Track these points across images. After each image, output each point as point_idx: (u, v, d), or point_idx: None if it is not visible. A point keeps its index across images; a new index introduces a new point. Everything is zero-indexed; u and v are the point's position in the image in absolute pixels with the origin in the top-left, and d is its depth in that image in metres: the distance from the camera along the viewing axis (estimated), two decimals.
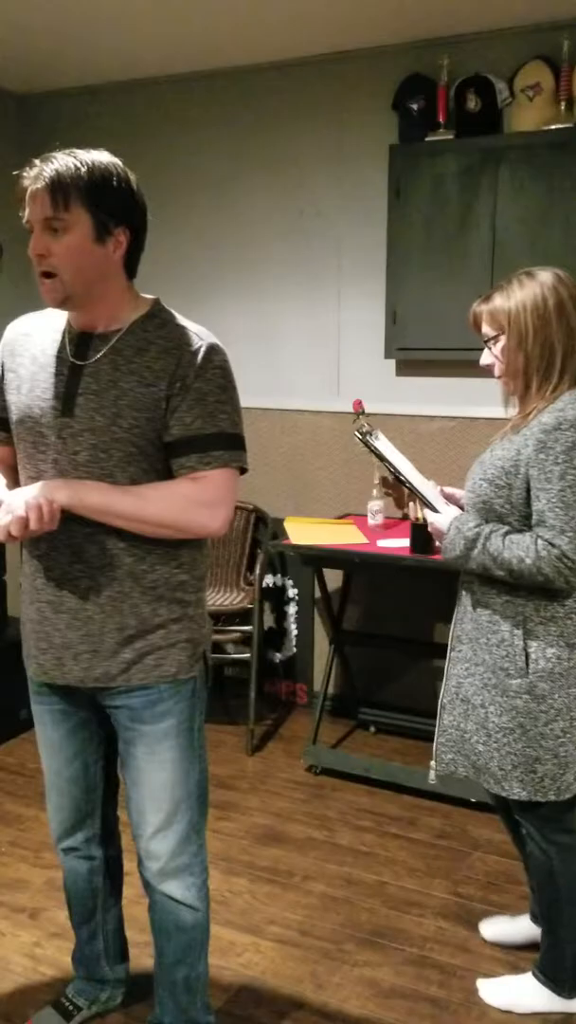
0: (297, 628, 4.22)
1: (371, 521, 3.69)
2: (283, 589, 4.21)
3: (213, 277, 4.18)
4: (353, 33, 3.55)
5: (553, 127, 3.35)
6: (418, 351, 3.70)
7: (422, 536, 3.25)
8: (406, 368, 3.85)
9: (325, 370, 4.04)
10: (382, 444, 2.24)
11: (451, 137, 3.50)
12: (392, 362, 3.86)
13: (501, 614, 2.07)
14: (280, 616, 4.25)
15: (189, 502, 1.79)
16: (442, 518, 2.14)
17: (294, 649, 4.24)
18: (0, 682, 3.72)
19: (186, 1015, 2.07)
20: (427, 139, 3.54)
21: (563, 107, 3.34)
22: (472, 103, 3.46)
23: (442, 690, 2.23)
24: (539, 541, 1.94)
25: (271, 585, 4.21)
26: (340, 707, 4.06)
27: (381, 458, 2.23)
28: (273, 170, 4.00)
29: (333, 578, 3.88)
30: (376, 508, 3.69)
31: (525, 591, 2.03)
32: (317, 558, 3.53)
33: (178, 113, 4.14)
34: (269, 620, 4.27)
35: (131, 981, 2.34)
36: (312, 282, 4.01)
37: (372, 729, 3.96)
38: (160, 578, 1.86)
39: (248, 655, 3.86)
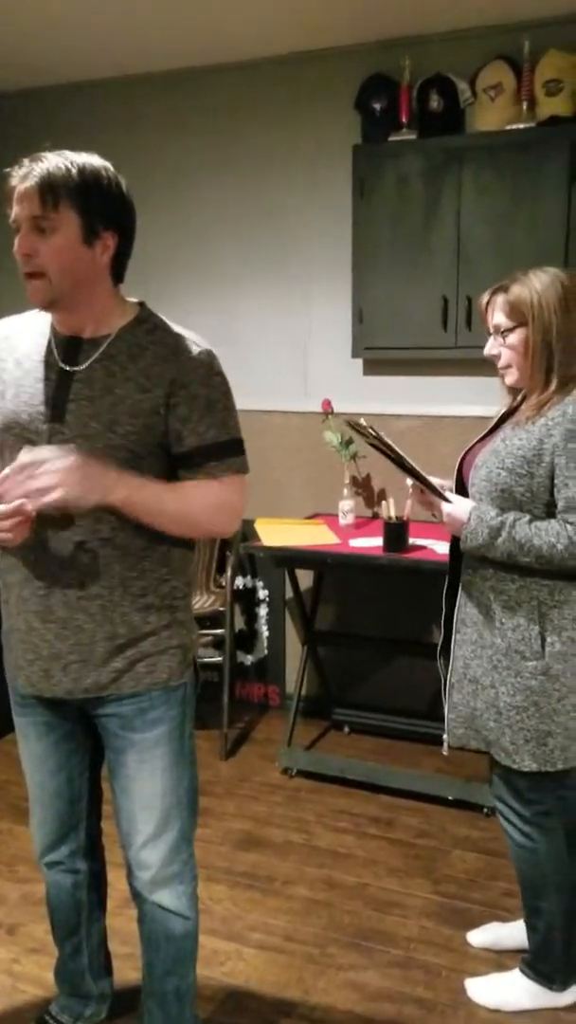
0: (268, 630, 4.20)
1: (342, 521, 3.69)
2: (254, 591, 4.19)
3: (179, 278, 4.15)
4: (316, 33, 3.54)
5: (515, 127, 3.36)
6: (385, 350, 3.70)
7: (394, 534, 3.26)
8: (373, 367, 3.86)
9: (293, 370, 4.02)
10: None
11: (414, 137, 3.51)
12: (359, 361, 3.85)
13: (516, 599, 2.10)
14: (251, 618, 4.23)
15: (220, 504, 1.83)
16: (459, 507, 2.14)
17: (265, 651, 4.22)
18: None
19: None
20: (390, 139, 3.54)
21: (524, 107, 3.36)
22: (435, 103, 3.47)
23: (449, 670, 2.27)
24: (568, 527, 1.99)
25: (242, 587, 4.18)
26: (314, 708, 4.05)
27: (390, 453, 2.20)
28: (239, 170, 3.98)
29: (304, 579, 3.87)
30: (347, 508, 3.69)
31: (540, 575, 2.07)
32: (289, 559, 3.51)
33: (143, 114, 4.11)
34: (240, 622, 4.24)
35: (115, 995, 2.30)
36: (279, 283, 4.00)
37: (346, 729, 3.96)
38: (150, 585, 1.84)
39: (220, 658, 3.83)
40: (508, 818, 2.26)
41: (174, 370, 1.76)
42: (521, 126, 3.36)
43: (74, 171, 1.69)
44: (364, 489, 3.72)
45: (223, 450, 1.81)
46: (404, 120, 3.52)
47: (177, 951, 2.01)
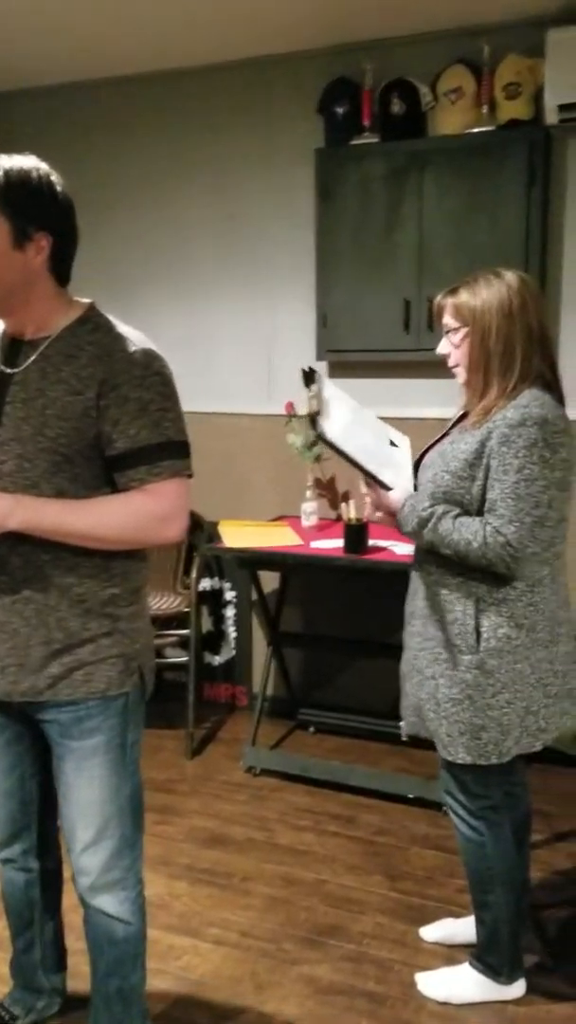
0: (236, 631, 4.22)
1: (305, 522, 3.71)
2: (220, 592, 4.21)
3: (143, 281, 4.17)
4: (278, 37, 3.57)
5: (475, 130, 3.41)
6: (348, 353, 3.73)
7: (355, 536, 3.28)
8: (338, 370, 3.88)
9: (257, 373, 4.05)
10: (333, 427, 2.22)
11: (376, 140, 3.54)
12: (324, 364, 3.88)
13: (455, 594, 2.14)
14: (218, 619, 4.25)
15: (145, 516, 1.77)
16: (396, 494, 2.19)
17: (233, 652, 4.24)
18: None
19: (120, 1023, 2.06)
20: (352, 142, 3.57)
21: (484, 111, 3.40)
22: (396, 107, 3.51)
23: (402, 660, 2.31)
24: (487, 527, 2.03)
25: (208, 588, 4.20)
26: (279, 708, 4.07)
27: (329, 444, 2.22)
28: (203, 174, 4.01)
29: (271, 580, 3.89)
30: (310, 510, 3.71)
31: (479, 573, 2.10)
32: (252, 560, 3.54)
33: (105, 117, 4.13)
34: (207, 623, 4.26)
35: (68, 990, 2.32)
36: (244, 286, 4.02)
37: (311, 729, 3.98)
38: (89, 591, 1.82)
39: (186, 659, 3.85)
40: (456, 811, 2.30)
41: (105, 371, 1.73)
42: (481, 129, 3.40)
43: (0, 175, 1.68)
44: (328, 491, 3.75)
45: (156, 453, 1.75)
46: (366, 124, 3.55)
47: (119, 954, 2.01)
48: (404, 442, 2.43)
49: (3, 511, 1.71)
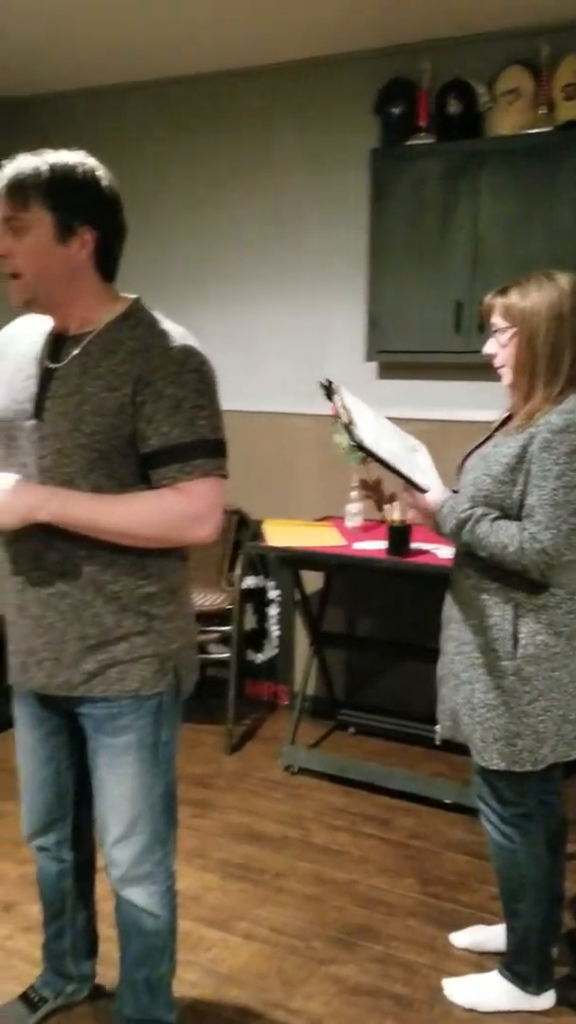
0: (279, 629, 4.24)
1: (349, 523, 3.71)
2: (264, 590, 4.23)
3: (194, 281, 4.21)
4: (335, 38, 3.58)
5: (532, 131, 3.37)
6: (399, 354, 3.72)
7: (398, 538, 3.27)
8: (387, 371, 3.88)
9: (306, 373, 4.05)
10: (366, 433, 2.22)
11: (432, 141, 3.53)
12: (374, 365, 3.88)
13: (493, 599, 2.13)
14: (262, 617, 4.27)
15: (176, 515, 1.76)
16: (434, 496, 2.18)
17: (276, 650, 4.26)
18: None
19: (146, 1012, 2.08)
20: (408, 143, 3.56)
21: (542, 111, 3.37)
22: (453, 107, 3.49)
23: (439, 664, 2.30)
24: (525, 532, 2.02)
25: (253, 586, 4.22)
26: (320, 708, 4.07)
27: (368, 452, 2.22)
28: (256, 175, 4.03)
29: (315, 580, 3.90)
30: (355, 510, 3.71)
31: (518, 578, 2.09)
32: (294, 560, 3.55)
33: (159, 119, 4.18)
34: (251, 621, 4.28)
35: (99, 976, 2.35)
36: (294, 286, 4.04)
37: (351, 730, 3.98)
38: (124, 589, 1.81)
39: (228, 655, 3.87)
40: (488, 818, 2.28)
41: (141, 367, 1.72)
42: (539, 130, 3.37)
43: (44, 169, 1.69)
44: (373, 492, 3.74)
45: (188, 451, 1.74)
46: (422, 124, 3.54)
47: (147, 945, 2.03)
48: (421, 448, 2.41)
49: (35, 502, 1.73)
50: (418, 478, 2.21)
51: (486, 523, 2.07)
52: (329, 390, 2.21)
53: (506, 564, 2.05)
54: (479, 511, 2.09)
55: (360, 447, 2.17)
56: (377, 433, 2.25)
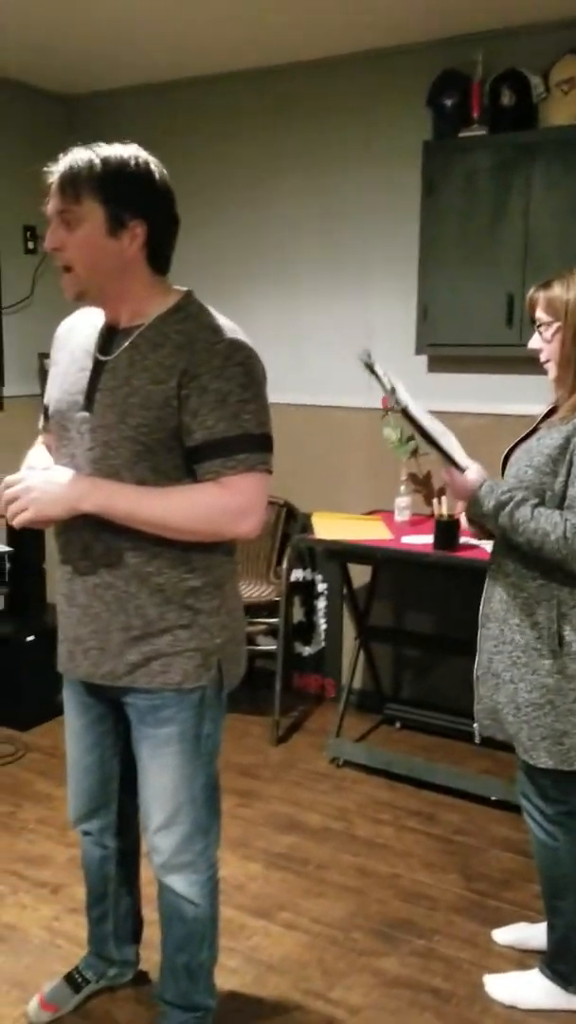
0: (326, 622, 4.25)
1: (398, 517, 3.70)
2: (312, 583, 4.24)
3: (245, 275, 4.22)
4: (387, 31, 3.56)
5: None
6: (449, 347, 3.70)
7: (446, 532, 3.26)
8: (437, 364, 3.86)
9: (356, 366, 4.00)
10: (412, 405, 2.20)
11: (485, 133, 3.49)
12: (423, 358, 3.86)
13: (535, 597, 2.11)
14: (310, 610, 4.28)
15: (218, 510, 1.76)
16: (473, 475, 2.16)
17: (323, 643, 4.27)
18: (38, 666, 3.81)
19: (186, 997, 2.10)
20: (460, 135, 3.53)
21: None
22: (506, 98, 3.45)
23: (476, 663, 2.29)
24: (568, 523, 1.99)
25: (301, 579, 4.24)
26: (367, 702, 4.07)
27: (407, 415, 2.21)
28: (307, 168, 4.03)
29: (362, 574, 3.90)
30: (403, 504, 3.70)
31: (562, 575, 2.07)
32: (341, 552, 3.55)
33: (210, 113, 4.20)
34: (299, 614, 4.30)
35: (144, 959, 2.38)
36: (344, 279, 4.03)
37: (397, 725, 3.97)
38: (167, 582, 1.82)
39: (275, 647, 3.89)
40: (532, 815, 2.27)
41: (187, 360, 1.72)
42: None
43: (96, 162, 1.70)
44: (422, 486, 3.73)
45: (232, 446, 1.73)
46: (475, 116, 3.51)
47: (187, 932, 2.05)
48: (450, 434, 2.37)
49: (78, 493, 1.76)
50: (457, 456, 2.20)
51: (527, 508, 2.04)
52: (370, 366, 2.21)
53: (544, 553, 2.02)
54: (520, 495, 2.07)
55: (405, 412, 2.16)
56: (416, 407, 2.24)
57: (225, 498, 1.75)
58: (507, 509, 2.06)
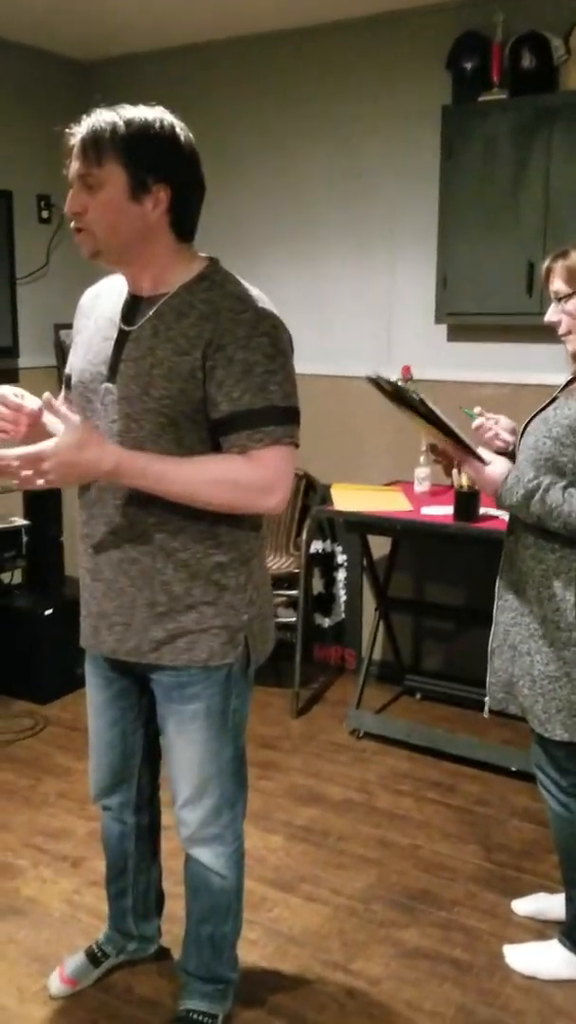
0: (346, 594, 4.24)
1: (417, 488, 3.68)
2: (332, 555, 4.23)
3: (265, 242, 4.18)
4: None
5: None
6: (469, 316, 3.66)
7: (466, 503, 3.23)
8: (457, 333, 3.82)
9: (376, 335, 4.01)
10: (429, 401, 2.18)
11: (505, 96, 3.43)
12: (443, 327, 3.82)
13: (554, 569, 2.09)
14: (329, 582, 4.28)
15: (243, 483, 1.72)
16: (496, 468, 2.13)
17: (343, 615, 4.27)
18: (58, 639, 3.85)
19: (209, 969, 2.12)
20: (480, 99, 3.47)
21: None
22: (527, 61, 3.38)
23: (491, 636, 2.28)
24: None
25: (321, 551, 4.23)
26: (387, 674, 4.08)
27: (420, 411, 2.18)
28: (327, 133, 3.97)
29: (382, 545, 3.89)
30: (423, 475, 3.68)
31: None
32: (361, 524, 3.54)
33: (231, 78, 4.14)
34: (318, 586, 4.30)
35: (165, 933, 2.40)
36: (364, 246, 3.99)
37: (418, 696, 3.98)
38: (193, 557, 1.80)
39: (295, 619, 3.89)
40: (546, 787, 2.27)
41: (212, 331, 1.68)
42: None
43: (120, 124, 1.65)
44: (443, 457, 3.70)
45: (259, 418, 1.69)
46: (495, 79, 3.44)
47: (214, 902, 2.06)
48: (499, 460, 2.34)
49: (93, 461, 1.69)
50: (480, 451, 2.18)
51: (557, 492, 2.02)
52: (377, 384, 2.17)
53: None
54: (546, 480, 2.04)
55: (423, 403, 2.13)
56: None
57: (251, 471, 1.72)
58: (537, 496, 2.03)
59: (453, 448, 2.18)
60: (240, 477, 1.73)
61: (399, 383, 2.15)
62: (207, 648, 1.85)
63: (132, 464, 1.72)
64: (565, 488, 2.02)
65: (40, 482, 1.72)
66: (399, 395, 2.14)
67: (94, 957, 2.34)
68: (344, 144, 3.94)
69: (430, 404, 2.11)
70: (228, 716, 1.92)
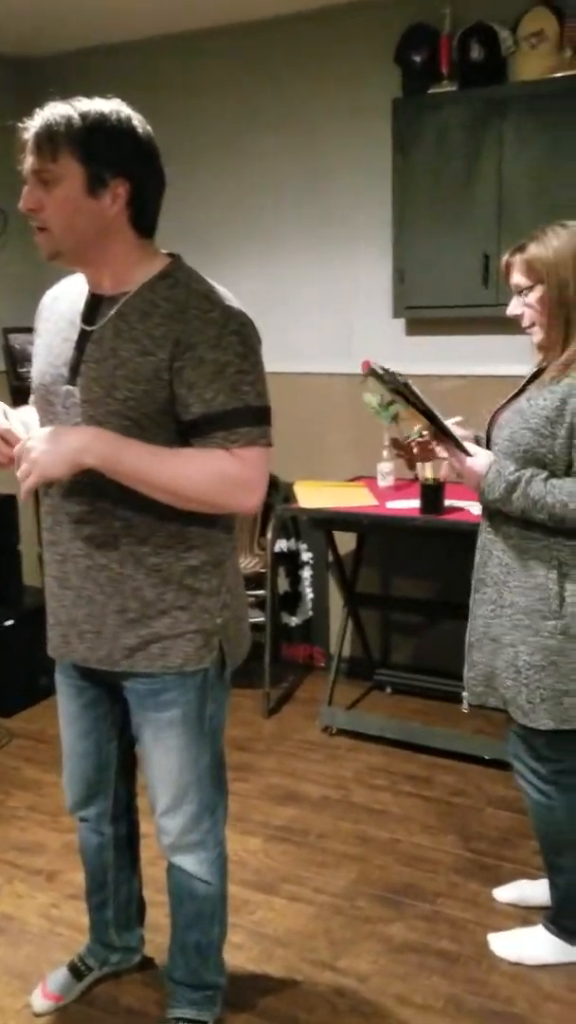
0: (312, 592, 4.23)
1: (381, 483, 3.68)
2: (297, 553, 4.21)
3: (222, 238, 4.15)
4: None
5: (557, 75, 3.28)
6: (426, 309, 3.66)
7: (432, 496, 3.24)
8: (415, 327, 3.82)
9: (336, 332, 4.01)
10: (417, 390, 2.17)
11: (454, 88, 3.44)
12: (401, 321, 3.82)
13: (536, 559, 2.10)
14: (295, 580, 4.26)
15: (228, 480, 1.68)
16: (479, 460, 2.13)
17: (310, 613, 4.25)
18: (20, 650, 3.78)
19: (196, 976, 2.09)
20: (430, 91, 3.47)
21: (567, 54, 3.26)
22: (475, 52, 3.39)
23: (468, 630, 2.27)
24: None
25: (285, 550, 4.20)
26: (356, 669, 4.07)
27: (411, 399, 2.17)
28: (281, 128, 3.96)
29: (347, 541, 3.88)
30: (386, 470, 3.68)
31: (563, 536, 2.06)
32: (326, 521, 3.53)
33: (183, 72, 4.10)
34: (284, 584, 4.27)
35: (149, 941, 2.36)
36: (322, 242, 3.97)
37: (388, 690, 3.98)
38: (164, 562, 1.76)
39: (262, 619, 3.87)
40: (525, 776, 2.27)
41: (179, 330, 1.64)
42: (564, 74, 3.27)
43: (75, 117, 1.60)
44: (405, 451, 3.71)
45: (233, 419, 1.66)
46: (444, 71, 3.45)
47: (198, 909, 2.04)
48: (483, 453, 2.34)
49: (79, 444, 1.65)
50: (465, 444, 2.18)
51: (539, 483, 2.02)
52: (375, 373, 2.18)
53: (567, 523, 2.00)
54: (528, 472, 2.04)
55: (407, 387, 2.13)
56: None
57: (235, 468, 1.69)
58: (520, 489, 2.04)
59: (439, 439, 2.18)
60: (228, 471, 1.69)
61: (391, 371, 2.15)
62: (181, 653, 1.81)
63: (116, 440, 1.66)
64: (546, 480, 2.03)
65: (24, 467, 1.67)
66: (393, 384, 2.14)
67: (77, 971, 2.29)
68: (299, 139, 3.92)
69: (418, 392, 2.11)
70: (205, 722, 1.90)
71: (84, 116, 1.62)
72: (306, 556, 4.20)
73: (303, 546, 4.20)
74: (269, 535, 3.89)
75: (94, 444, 1.65)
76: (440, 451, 2.25)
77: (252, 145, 4.02)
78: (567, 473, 2.05)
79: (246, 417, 1.68)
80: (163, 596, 1.79)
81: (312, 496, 3.53)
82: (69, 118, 1.61)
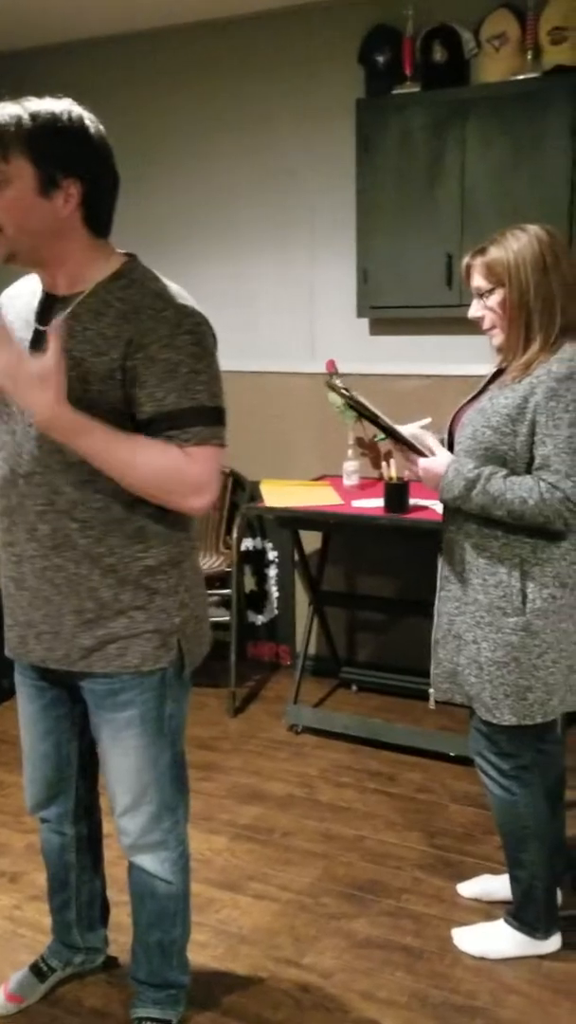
0: (278, 590, 4.23)
1: (347, 482, 3.69)
2: (263, 552, 4.22)
3: (184, 238, 4.14)
4: None
5: (520, 77, 3.31)
6: (390, 309, 3.68)
7: (396, 495, 3.26)
8: (379, 327, 3.84)
9: (300, 331, 4.02)
10: (365, 400, 2.22)
11: (417, 90, 3.46)
12: (365, 321, 3.84)
13: (498, 556, 2.12)
14: (261, 579, 4.27)
15: (179, 475, 1.68)
16: (438, 460, 2.16)
17: (276, 611, 4.26)
18: None
19: (160, 976, 2.09)
20: (393, 92, 3.49)
21: (529, 57, 3.30)
22: (438, 54, 3.42)
23: (434, 627, 2.29)
24: (542, 483, 2.01)
25: (251, 548, 4.21)
26: (322, 667, 4.08)
27: (364, 412, 2.21)
28: (243, 128, 3.96)
29: (312, 540, 3.89)
30: (352, 469, 3.69)
31: (524, 533, 2.08)
32: (292, 520, 3.54)
33: (143, 71, 4.09)
34: (250, 583, 4.28)
35: (114, 942, 2.35)
36: (285, 241, 3.98)
37: (354, 688, 3.99)
38: (120, 562, 1.76)
39: (228, 618, 3.87)
40: (487, 772, 2.29)
41: (132, 330, 1.64)
42: (526, 76, 3.30)
43: (25, 117, 1.60)
44: (370, 450, 3.72)
45: (185, 418, 1.66)
46: (407, 73, 3.47)
47: (160, 908, 2.03)
48: (427, 434, 2.36)
49: (46, 400, 1.59)
50: (428, 443, 2.20)
51: (498, 480, 2.04)
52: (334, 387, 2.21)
53: (526, 519, 2.02)
54: (487, 469, 2.06)
55: (353, 399, 2.16)
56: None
57: (187, 466, 1.68)
58: (479, 487, 2.06)
59: (395, 446, 2.21)
60: (176, 468, 1.68)
61: (342, 386, 2.21)
62: (139, 653, 1.81)
63: (74, 422, 1.63)
64: (506, 477, 2.05)
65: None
66: (348, 397, 2.19)
67: (40, 972, 2.28)
68: (261, 138, 3.93)
69: (367, 403, 2.14)
70: (164, 722, 1.89)
71: (34, 116, 1.62)
72: (272, 555, 4.20)
73: (269, 545, 4.20)
74: (235, 534, 3.89)
75: (54, 423, 1.62)
76: (398, 456, 2.28)
77: (214, 145, 4.02)
78: (527, 471, 2.07)
79: (199, 416, 1.67)
80: (120, 596, 1.78)
81: (278, 495, 3.54)
82: (19, 118, 1.61)
